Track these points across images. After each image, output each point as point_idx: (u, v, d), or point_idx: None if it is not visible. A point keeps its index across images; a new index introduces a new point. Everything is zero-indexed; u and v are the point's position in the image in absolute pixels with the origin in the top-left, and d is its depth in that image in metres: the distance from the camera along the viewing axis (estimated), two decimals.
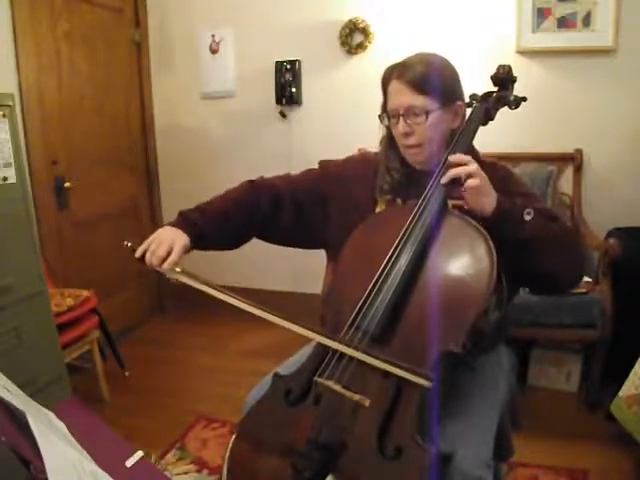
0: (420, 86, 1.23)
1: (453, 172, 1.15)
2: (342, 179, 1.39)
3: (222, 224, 1.33)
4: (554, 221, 1.21)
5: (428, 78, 1.23)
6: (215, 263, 3.38)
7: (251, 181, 1.42)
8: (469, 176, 1.13)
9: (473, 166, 1.14)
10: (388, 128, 1.33)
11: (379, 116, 1.32)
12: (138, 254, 1.23)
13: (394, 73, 1.27)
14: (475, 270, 1.08)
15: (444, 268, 1.12)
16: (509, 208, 1.15)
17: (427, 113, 1.23)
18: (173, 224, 1.30)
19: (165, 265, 1.20)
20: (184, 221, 1.30)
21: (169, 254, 1.21)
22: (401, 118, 1.25)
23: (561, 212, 2.62)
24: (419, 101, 1.23)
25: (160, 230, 1.28)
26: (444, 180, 1.16)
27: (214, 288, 1.15)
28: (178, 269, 1.21)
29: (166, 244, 1.22)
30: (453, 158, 1.17)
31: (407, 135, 1.26)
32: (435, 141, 1.27)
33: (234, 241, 1.40)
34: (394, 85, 1.26)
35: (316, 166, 1.48)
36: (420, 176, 1.28)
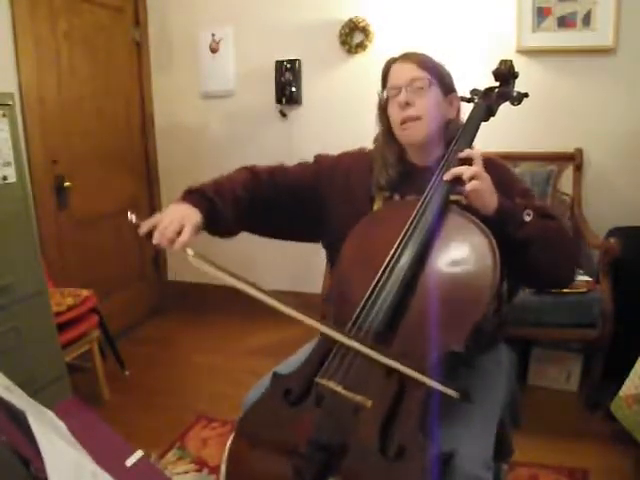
0: (423, 63, 1.27)
1: (457, 171, 1.15)
2: (337, 173, 1.38)
3: (235, 206, 1.27)
4: (551, 219, 1.21)
5: (429, 61, 1.30)
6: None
7: (248, 168, 1.38)
8: (472, 177, 1.12)
9: (478, 167, 1.14)
10: (385, 125, 1.33)
11: (378, 108, 1.34)
12: (143, 230, 1.13)
13: (397, 60, 1.31)
14: (479, 268, 1.07)
15: (447, 266, 1.11)
16: (510, 208, 1.15)
17: (429, 84, 1.25)
18: (185, 199, 1.21)
19: (176, 246, 1.10)
20: (200, 197, 1.21)
21: (179, 234, 1.11)
22: (402, 89, 1.25)
23: (561, 212, 2.62)
24: (422, 73, 1.26)
25: (171, 206, 1.19)
26: (447, 177, 1.16)
27: (231, 275, 1.07)
28: (190, 252, 1.10)
29: (176, 222, 1.12)
30: (463, 154, 1.17)
31: (407, 105, 1.25)
32: (433, 119, 1.26)
33: (238, 228, 1.33)
34: (397, 66, 1.30)
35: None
36: (418, 172, 1.28)
